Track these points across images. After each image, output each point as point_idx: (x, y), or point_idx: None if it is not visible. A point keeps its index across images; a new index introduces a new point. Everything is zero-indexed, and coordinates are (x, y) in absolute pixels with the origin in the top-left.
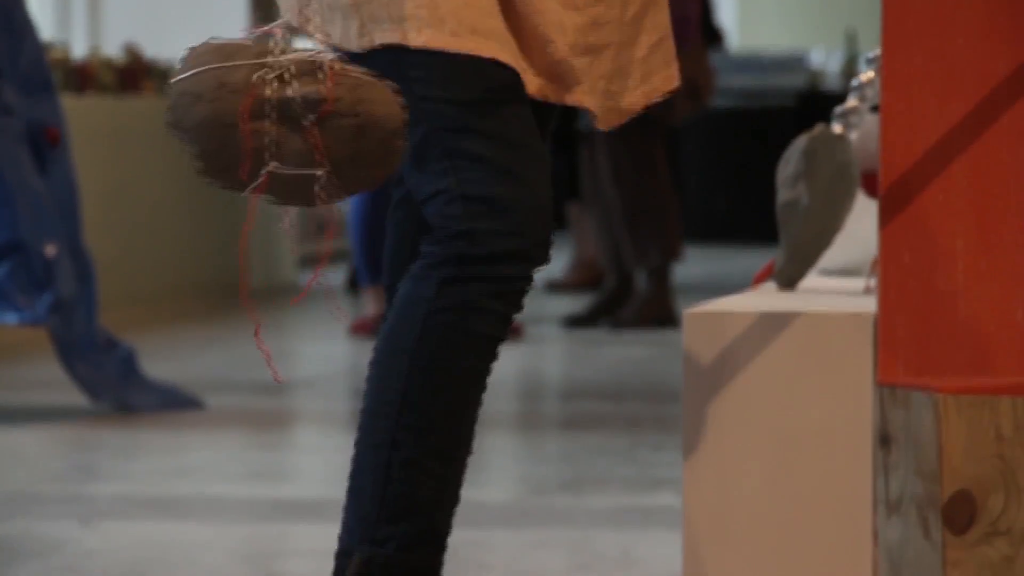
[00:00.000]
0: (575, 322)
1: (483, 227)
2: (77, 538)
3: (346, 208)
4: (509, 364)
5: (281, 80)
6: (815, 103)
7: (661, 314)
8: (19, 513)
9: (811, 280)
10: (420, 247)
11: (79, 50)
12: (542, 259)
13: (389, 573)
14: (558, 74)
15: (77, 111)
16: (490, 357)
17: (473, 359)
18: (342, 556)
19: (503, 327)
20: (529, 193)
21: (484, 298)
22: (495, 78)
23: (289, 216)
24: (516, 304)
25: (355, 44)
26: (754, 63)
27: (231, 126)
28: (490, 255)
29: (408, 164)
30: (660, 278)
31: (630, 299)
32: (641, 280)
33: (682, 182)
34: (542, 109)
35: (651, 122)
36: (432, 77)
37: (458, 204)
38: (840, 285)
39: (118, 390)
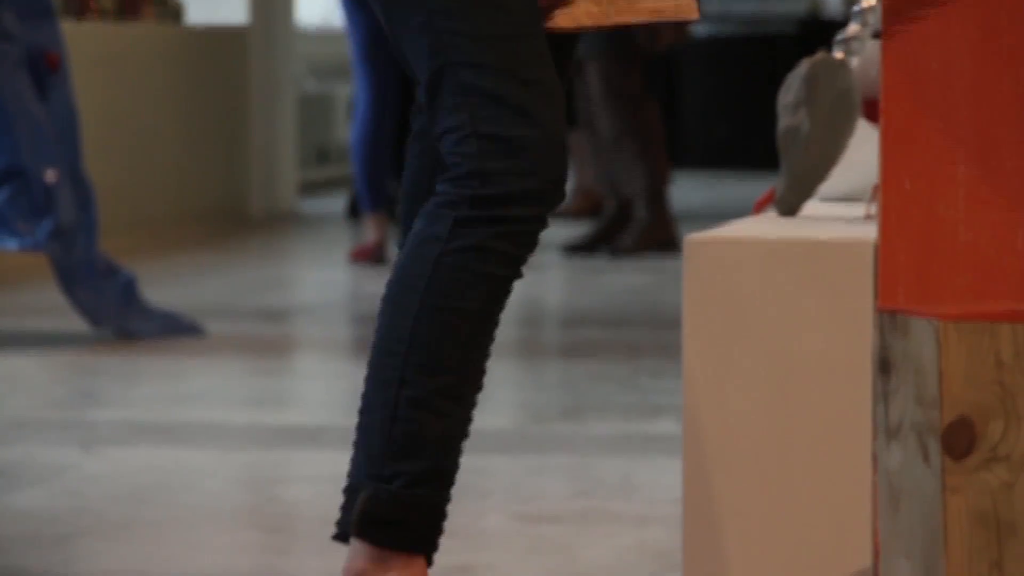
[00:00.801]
0: (574, 249)
1: (496, 167)
2: (79, 464)
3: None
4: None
5: None
6: (816, 29)
7: (661, 239)
8: (21, 439)
9: (811, 207)
10: (435, 184)
11: None
12: (556, 199)
13: (394, 509)
14: None
15: (77, 36)
16: (501, 298)
17: (484, 300)
18: (350, 491)
19: (515, 268)
20: (543, 132)
21: (496, 239)
22: (515, 12)
23: None
24: (529, 245)
25: None
26: None
27: None
28: (503, 195)
29: (424, 96)
30: (657, 203)
31: (629, 225)
32: (640, 207)
33: (680, 109)
34: (563, 38)
35: (636, 48)
36: (452, 9)
37: (472, 142)
38: (841, 212)
39: (119, 316)
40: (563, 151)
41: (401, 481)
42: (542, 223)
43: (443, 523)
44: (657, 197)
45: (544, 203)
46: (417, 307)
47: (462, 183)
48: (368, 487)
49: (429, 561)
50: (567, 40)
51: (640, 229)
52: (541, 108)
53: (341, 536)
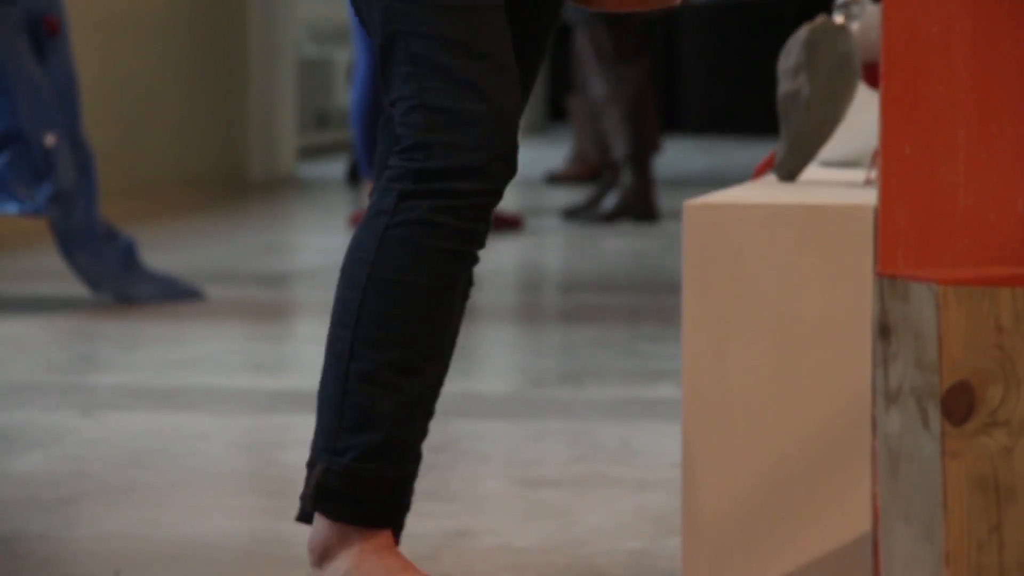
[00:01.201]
0: (573, 213)
1: (440, 140)
2: (79, 428)
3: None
4: (509, 256)
5: None
6: None
7: (640, 207)
8: (21, 403)
9: (812, 172)
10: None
11: None
12: (502, 174)
13: (347, 483)
14: None
15: (76, 1)
16: (452, 272)
17: (430, 274)
18: (310, 465)
19: (462, 243)
20: (491, 107)
21: (439, 213)
22: None
23: None
24: (475, 219)
25: None
26: None
27: None
28: (446, 169)
29: (378, 62)
30: (639, 170)
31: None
32: (623, 173)
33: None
34: (545, 6)
35: (628, 13)
36: None
37: (418, 114)
38: (841, 177)
39: (118, 281)
40: (512, 126)
41: (352, 455)
42: (489, 197)
43: (404, 498)
44: (640, 163)
45: (490, 178)
46: (365, 280)
47: (407, 156)
48: (322, 460)
49: (396, 537)
50: (552, 3)
51: (621, 196)
52: (491, 83)
53: (303, 516)
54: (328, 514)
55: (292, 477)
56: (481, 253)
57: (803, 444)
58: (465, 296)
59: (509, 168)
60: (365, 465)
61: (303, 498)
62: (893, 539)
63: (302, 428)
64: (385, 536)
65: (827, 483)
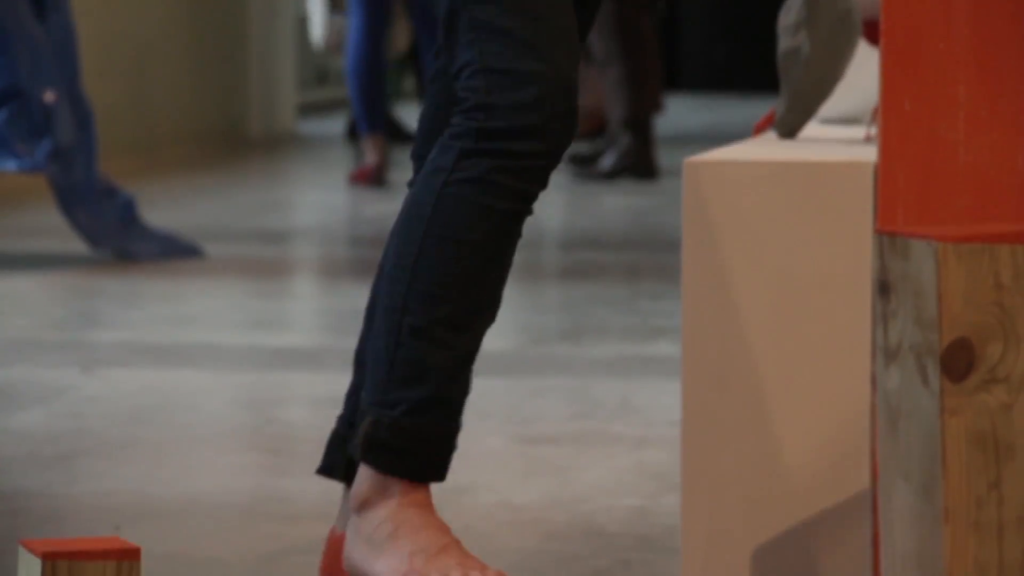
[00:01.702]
0: (579, 162)
1: (501, 101)
2: (78, 385)
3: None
4: None
5: None
6: None
7: (638, 166)
8: (20, 360)
9: (811, 129)
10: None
11: None
12: (562, 135)
13: (396, 436)
14: None
15: None
16: (507, 232)
17: (486, 233)
18: (360, 417)
19: (520, 203)
20: (550, 68)
21: (498, 172)
22: None
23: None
24: (534, 180)
25: None
26: None
27: None
28: (506, 129)
29: (441, 33)
30: (638, 130)
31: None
32: (621, 132)
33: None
34: None
35: None
36: None
37: (480, 77)
38: (841, 134)
39: (118, 238)
40: (571, 89)
41: (403, 408)
42: (548, 158)
43: (450, 453)
44: (639, 124)
45: (548, 139)
46: (421, 236)
47: (469, 115)
48: (372, 412)
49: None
50: None
51: (618, 154)
52: (550, 44)
53: (324, 469)
54: (374, 465)
55: (292, 434)
56: None
57: (802, 401)
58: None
59: (568, 129)
60: (414, 419)
61: (326, 457)
62: (892, 496)
63: (301, 385)
64: (424, 493)
65: (826, 440)
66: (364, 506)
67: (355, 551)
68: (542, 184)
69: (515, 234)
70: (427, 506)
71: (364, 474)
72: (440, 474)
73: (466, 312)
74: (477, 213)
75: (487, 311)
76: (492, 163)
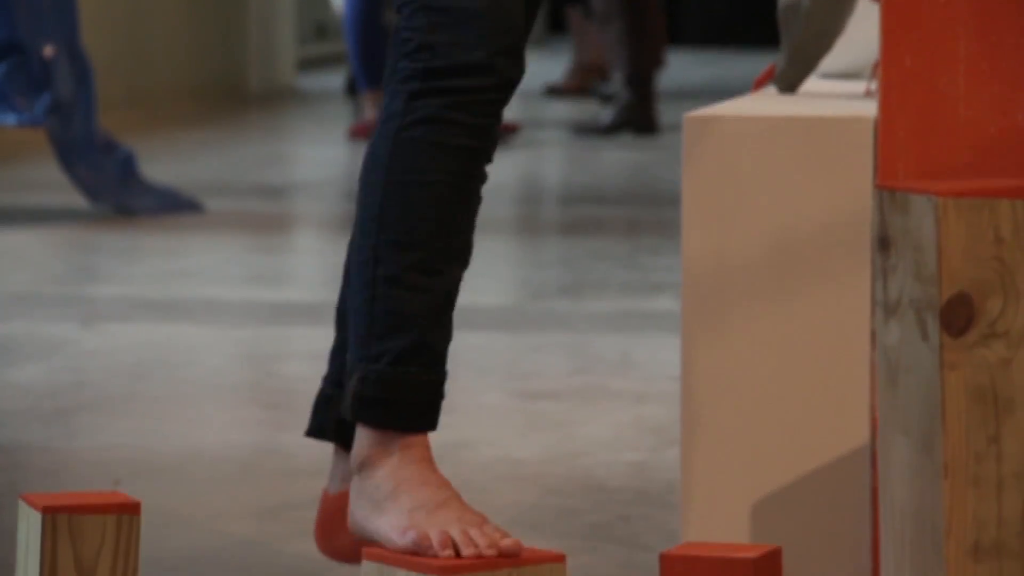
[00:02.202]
0: (583, 130)
1: (443, 39)
2: (78, 339)
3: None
4: (508, 169)
5: None
6: None
7: (639, 122)
8: (20, 314)
9: (812, 84)
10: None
11: None
12: (508, 69)
13: (384, 388)
14: None
15: None
16: (467, 170)
17: (446, 172)
18: (347, 377)
19: (475, 138)
20: (489, 3)
21: (449, 110)
22: None
23: None
24: (486, 114)
25: None
26: None
27: None
28: (451, 67)
29: None
30: (640, 86)
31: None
32: (623, 87)
33: None
34: None
35: None
36: None
37: (421, 15)
38: (841, 88)
39: (117, 192)
40: (512, 22)
41: (387, 359)
42: (498, 92)
43: (439, 400)
44: (641, 80)
45: (496, 74)
46: (383, 184)
47: (413, 57)
48: (358, 369)
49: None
50: None
51: (618, 109)
52: None
53: (313, 431)
54: (367, 422)
55: (292, 389)
56: None
57: (802, 356)
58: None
59: (514, 63)
60: (400, 368)
61: (314, 419)
62: (891, 451)
63: (301, 340)
64: (423, 447)
65: (825, 395)
66: (364, 465)
67: (358, 510)
68: (496, 118)
69: (476, 174)
70: (427, 461)
71: (361, 434)
72: (431, 422)
73: (437, 256)
74: (434, 153)
75: (459, 254)
76: (442, 101)
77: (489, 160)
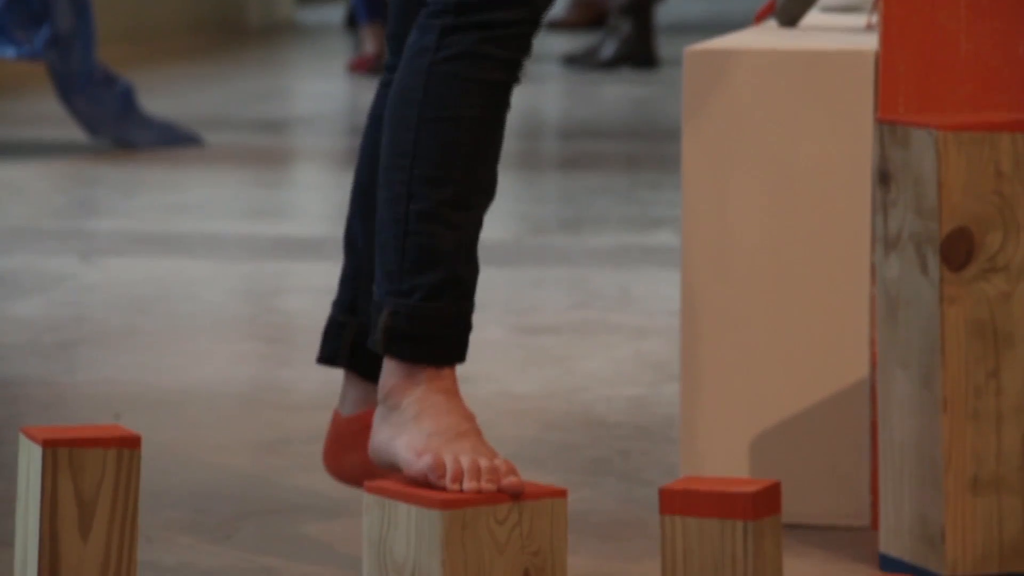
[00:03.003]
0: (573, 60)
1: None
2: (77, 273)
3: None
4: None
5: None
6: None
7: (639, 54)
8: (19, 248)
9: (812, 17)
10: None
11: None
12: (542, 1)
13: (416, 322)
14: None
15: None
16: (499, 104)
17: (480, 107)
18: (375, 310)
19: (510, 72)
20: None
21: (484, 44)
22: None
23: None
24: (520, 48)
25: None
26: None
27: None
28: (486, 0)
29: None
30: (639, 18)
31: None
32: (622, 19)
33: None
34: None
35: None
36: None
37: None
38: (842, 22)
39: (117, 126)
40: None
41: (420, 294)
42: (531, 25)
43: (468, 332)
44: (639, 11)
45: (529, 5)
46: (416, 120)
47: None
48: (388, 303)
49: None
50: None
51: (618, 42)
52: None
53: (325, 358)
54: (399, 356)
55: (291, 323)
56: None
57: (802, 291)
58: None
59: None
60: (432, 303)
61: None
62: (891, 385)
63: (301, 275)
64: (450, 379)
65: (825, 330)
66: (391, 396)
67: (380, 434)
68: (527, 51)
69: (507, 105)
70: (454, 392)
71: (389, 367)
72: (461, 355)
73: (469, 190)
74: (469, 88)
75: (488, 188)
76: (477, 35)
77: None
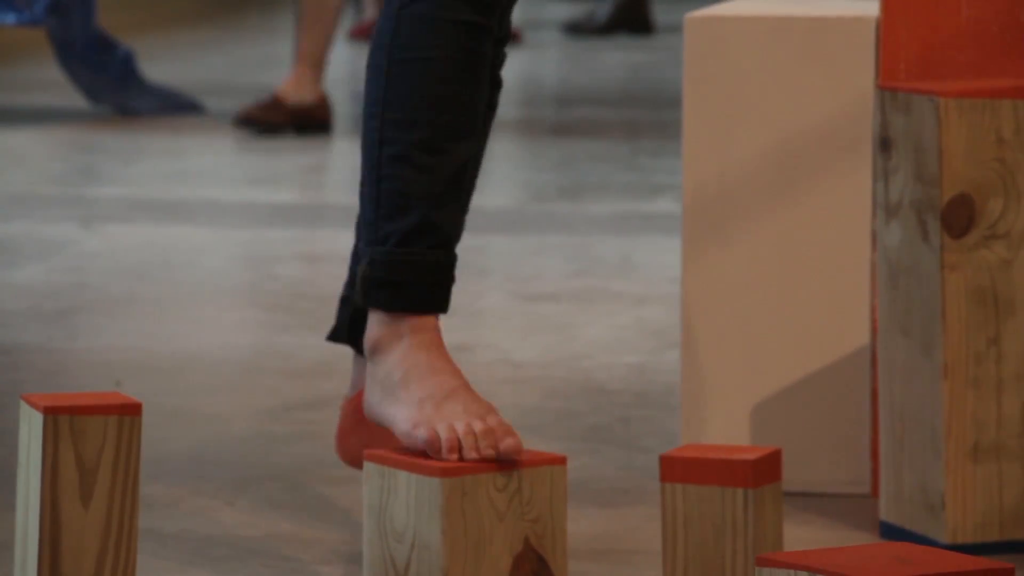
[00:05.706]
0: (575, 28)
1: None
2: (78, 240)
3: None
4: (507, 71)
5: None
6: None
7: (634, 20)
8: (20, 215)
9: None
10: None
11: None
12: None
13: (391, 269)
14: None
15: None
16: (471, 44)
17: (448, 47)
18: (356, 262)
19: (478, 13)
20: None
21: None
22: None
23: None
24: None
25: None
26: None
27: None
28: None
29: None
30: None
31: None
32: None
33: None
34: None
35: None
36: None
37: None
38: None
39: (117, 92)
40: None
41: (394, 240)
42: None
43: (449, 283)
44: None
45: None
46: (386, 64)
47: None
48: (366, 254)
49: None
50: None
51: (613, 7)
52: None
53: (332, 335)
54: (377, 305)
55: (292, 290)
56: None
57: (802, 258)
58: (491, 109)
59: None
60: (406, 249)
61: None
62: (892, 352)
63: (301, 242)
64: (433, 332)
65: (826, 296)
66: (375, 350)
67: (371, 395)
68: None
69: (480, 51)
70: (437, 347)
71: (372, 319)
72: (441, 305)
73: (442, 133)
74: (436, 28)
75: (465, 134)
76: None
77: (496, 40)
